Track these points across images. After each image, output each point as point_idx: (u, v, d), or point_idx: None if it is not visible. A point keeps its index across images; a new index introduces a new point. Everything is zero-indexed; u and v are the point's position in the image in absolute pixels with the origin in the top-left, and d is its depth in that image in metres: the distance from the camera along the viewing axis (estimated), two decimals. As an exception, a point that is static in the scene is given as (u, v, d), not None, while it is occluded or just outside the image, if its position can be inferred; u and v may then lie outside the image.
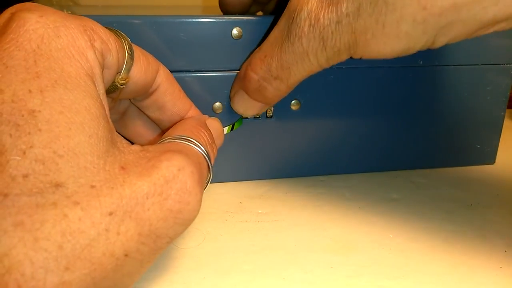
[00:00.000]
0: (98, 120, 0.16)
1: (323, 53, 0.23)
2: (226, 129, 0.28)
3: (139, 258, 0.16)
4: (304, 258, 0.24)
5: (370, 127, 0.33)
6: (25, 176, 0.14)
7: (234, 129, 0.29)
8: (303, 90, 0.31)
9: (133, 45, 0.21)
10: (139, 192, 0.16)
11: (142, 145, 0.18)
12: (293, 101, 0.31)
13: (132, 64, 0.21)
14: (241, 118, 0.30)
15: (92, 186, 0.15)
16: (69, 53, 0.17)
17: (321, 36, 0.22)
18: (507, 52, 0.33)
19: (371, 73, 0.31)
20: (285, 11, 0.24)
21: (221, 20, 0.28)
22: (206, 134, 0.22)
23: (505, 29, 0.20)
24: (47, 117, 0.15)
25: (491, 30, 0.20)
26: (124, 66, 0.20)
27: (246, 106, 0.28)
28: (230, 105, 0.30)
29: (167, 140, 0.20)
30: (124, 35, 0.21)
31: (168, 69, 0.24)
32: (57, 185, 0.14)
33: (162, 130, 0.26)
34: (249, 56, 0.28)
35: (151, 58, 0.22)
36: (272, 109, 0.31)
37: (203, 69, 0.29)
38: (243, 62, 0.28)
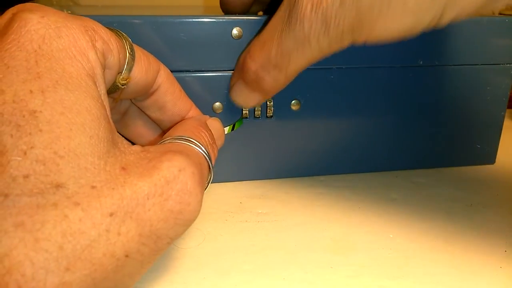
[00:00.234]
0: (99, 121, 0.16)
1: (326, 37, 0.22)
2: (226, 129, 0.28)
3: (139, 258, 0.16)
4: (304, 258, 0.24)
5: (370, 127, 0.33)
6: (26, 176, 0.14)
7: (234, 129, 0.29)
8: (303, 90, 0.31)
9: (134, 45, 0.21)
10: (140, 192, 0.16)
11: (143, 145, 0.18)
12: (293, 101, 0.31)
13: (133, 64, 0.21)
14: (242, 118, 0.30)
15: (93, 187, 0.15)
16: (70, 54, 0.17)
17: (323, 18, 0.21)
18: (507, 52, 0.33)
19: (371, 73, 0.31)
20: None
21: (221, 20, 0.28)
22: (207, 135, 0.22)
23: (510, 4, 0.20)
24: (48, 117, 0.15)
25: (499, 4, 0.20)
26: (125, 66, 0.20)
27: (245, 97, 0.27)
28: (230, 105, 0.30)
29: (168, 141, 0.20)
30: (125, 35, 0.21)
31: (169, 69, 0.24)
32: (58, 186, 0.14)
33: (163, 130, 0.26)
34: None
35: (152, 58, 0.22)
36: (272, 109, 0.31)
37: (203, 69, 0.29)
38: (242, 52, 0.28)
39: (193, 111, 0.25)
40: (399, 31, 0.21)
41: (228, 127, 0.29)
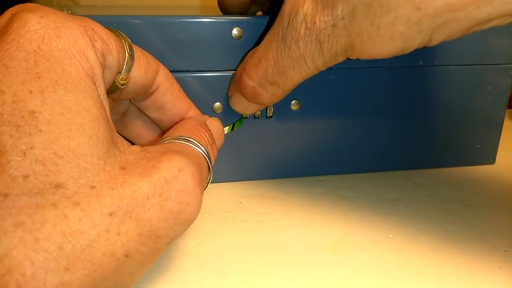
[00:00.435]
0: (98, 121, 0.16)
1: (320, 57, 0.23)
2: (226, 129, 0.28)
3: (139, 258, 0.16)
4: (304, 258, 0.24)
5: (370, 127, 0.33)
6: (26, 176, 0.14)
7: (234, 129, 0.29)
8: (303, 90, 0.31)
9: (133, 45, 0.21)
10: (140, 192, 0.16)
11: (142, 145, 0.18)
12: (293, 101, 0.31)
13: (132, 64, 0.21)
14: (241, 118, 0.30)
15: (92, 187, 0.15)
16: (70, 54, 0.17)
17: (317, 39, 0.22)
18: (507, 52, 0.33)
19: (371, 73, 0.31)
20: (278, 15, 0.24)
21: (221, 20, 0.28)
22: (207, 134, 0.22)
23: (501, 24, 0.20)
24: (48, 118, 0.15)
25: (486, 26, 0.20)
26: (124, 67, 0.20)
27: (244, 107, 0.28)
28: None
29: (167, 141, 0.20)
30: (124, 35, 0.21)
31: (168, 69, 0.24)
32: (57, 186, 0.14)
33: (162, 130, 0.26)
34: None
35: (151, 58, 0.22)
36: (272, 109, 0.31)
37: (203, 69, 0.29)
38: (238, 64, 0.28)
39: (193, 111, 0.25)
40: (389, 53, 0.22)
41: (228, 127, 0.29)
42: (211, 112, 0.30)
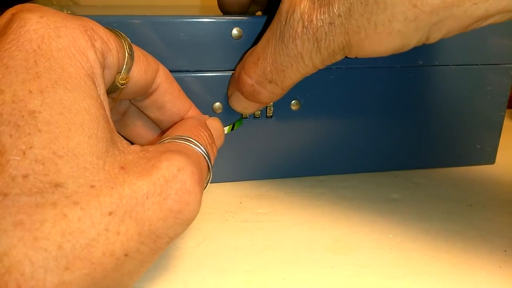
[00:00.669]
0: (98, 121, 0.16)
1: (318, 55, 0.23)
2: (226, 129, 0.28)
3: (139, 258, 0.16)
4: (304, 258, 0.24)
5: (370, 127, 0.33)
6: (25, 176, 0.14)
7: (234, 129, 0.29)
8: (303, 90, 0.31)
9: (132, 45, 0.21)
10: (139, 192, 0.16)
11: (142, 145, 0.18)
12: (293, 101, 0.31)
13: (132, 64, 0.21)
14: (241, 118, 0.30)
15: (92, 186, 0.15)
16: (69, 53, 0.17)
17: (315, 38, 0.22)
18: (507, 52, 0.33)
19: (371, 73, 0.31)
20: (276, 13, 0.24)
21: (221, 20, 0.28)
22: (206, 134, 0.22)
23: (499, 21, 0.20)
24: (47, 118, 0.15)
25: (485, 23, 0.20)
26: (124, 66, 0.20)
27: (244, 106, 0.28)
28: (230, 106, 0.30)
29: (167, 140, 0.20)
30: (124, 35, 0.21)
31: (168, 69, 0.24)
32: (57, 185, 0.14)
33: (162, 130, 0.26)
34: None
35: (150, 58, 0.22)
36: (272, 109, 0.31)
37: (203, 69, 0.29)
38: (237, 63, 0.28)
39: (193, 111, 0.25)
40: (387, 51, 0.22)
41: (228, 127, 0.29)
42: (211, 112, 0.30)
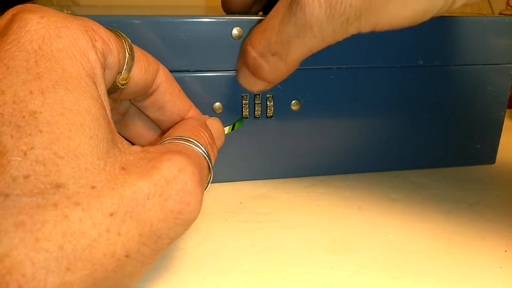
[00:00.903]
0: (99, 121, 0.16)
1: (329, 24, 0.21)
2: (226, 129, 0.28)
3: (140, 258, 0.16)
4: (304, 258, 0.24)
5: (370, 127, 0.33)
6: (26, 177, 0.14)
7: (234, 129, 0.29)
8: (303, 90, 0.31)
9: (133, 45, 0.21)
10: (140, 192, 0.16)
11: (142, 145, 0.18)
12: (293, 101, 0.31)
13: (132, 64, 0.21)
14: (242, 118, 0.30)
15: (93, 187, 0.15)
16: (70, 54, 0.17)
17: (328, 3, 0.20)
18: (507, 52, 0.33)
19: (371, 73, 0.31)
20: None
21: (221, 20, 0.28)
22: (207, 134, 0.22)
23: None
24: (48, 118, 0.15)
25: None
26: (124, 67, 0.20)
27: (249, 82, 0.27)
28: (230, 105, 0.30)
29: (168, 141, 0.20)
30: (124, 35, 0.21)
31: (168, 69, 0.24)
32: (58, 186, 0.14)
33: (163, 130, 0.26)
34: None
35: (151, 58, 0.22)
36: (272, 109, 0.31)
37: (203, 69, 0.29)
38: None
39: (193, 111, 0.25)
40: (410, 16, 0.20)
41: (228, 127, 0.29)
42: (211, 112, 0.30)
